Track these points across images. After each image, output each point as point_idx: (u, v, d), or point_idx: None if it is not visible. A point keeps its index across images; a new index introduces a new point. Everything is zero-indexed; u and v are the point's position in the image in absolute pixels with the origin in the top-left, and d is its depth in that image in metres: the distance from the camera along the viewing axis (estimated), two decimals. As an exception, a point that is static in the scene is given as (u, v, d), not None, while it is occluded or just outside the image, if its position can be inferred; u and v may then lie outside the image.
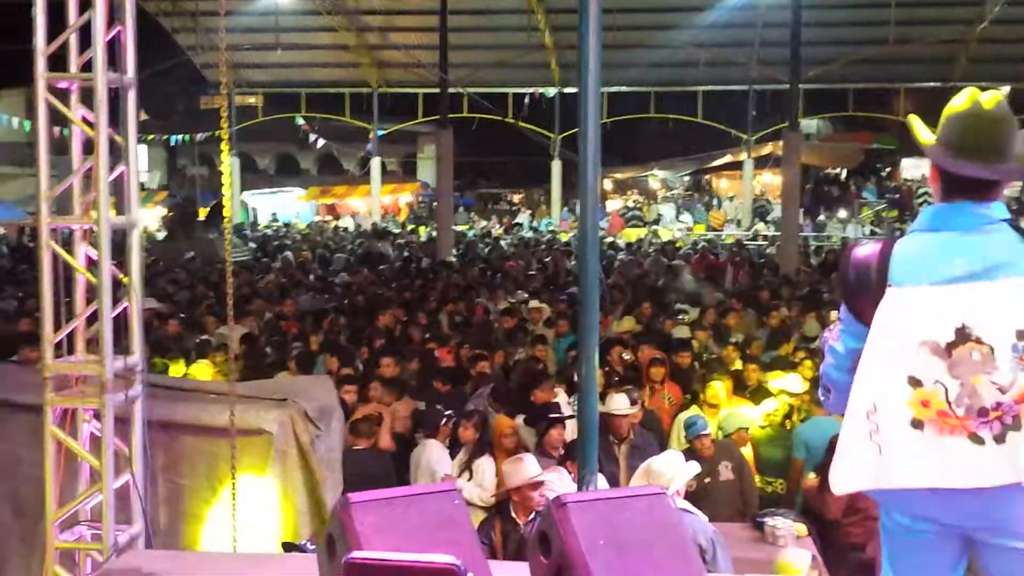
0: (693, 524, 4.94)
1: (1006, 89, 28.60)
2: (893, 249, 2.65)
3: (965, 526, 2.64)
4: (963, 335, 2.49)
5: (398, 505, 3.21)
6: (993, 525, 2.60)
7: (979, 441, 2.49)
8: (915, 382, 2.52)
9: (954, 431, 2.50)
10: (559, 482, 5.31)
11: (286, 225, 32.21)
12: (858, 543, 6.13)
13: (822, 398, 3.01)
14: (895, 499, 2.67)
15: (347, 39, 27.15)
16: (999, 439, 2.49)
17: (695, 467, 5.43)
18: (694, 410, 7.68)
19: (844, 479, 2.65)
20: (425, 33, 23.86)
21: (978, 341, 2.48)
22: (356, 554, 2.72)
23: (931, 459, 2.52)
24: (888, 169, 34.52)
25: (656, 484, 5.06)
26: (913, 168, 32.99)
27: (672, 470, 5.22)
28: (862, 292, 2.66)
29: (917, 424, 2.53)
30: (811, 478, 6.29)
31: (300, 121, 31.06)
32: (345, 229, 30.10)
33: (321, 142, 33.23)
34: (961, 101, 2.69)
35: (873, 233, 27.75)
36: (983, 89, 2.75)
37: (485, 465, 6.63)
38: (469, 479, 6.58)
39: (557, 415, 7.12)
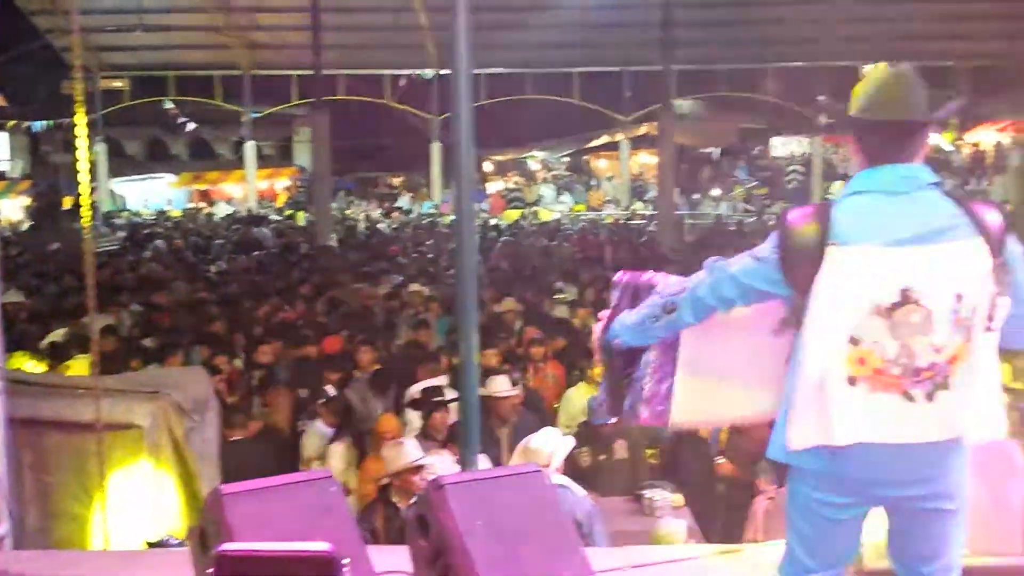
0: (570, 500, 5.01)
1: (870, 66, 29.70)
2: (832, 210, 2.68)
3: (892, 493, 2.71)
4: (906, 297, 2.56)
5: (272, 495, 3.16)
6: (924, 489, 2.68)
7: (910, 399, 2.59)
8: (854, 340, 2.59)
9: (887, 388, 2.59)
10: (441, 465, 5.30)
11: (160, 212, 31.22)
12: (742, 505, 6.21)
13: (658, 315, 2.92)
14: (827, 465, 2.69)
15: (215, 20, 26.39)
16: (929, 397, 2.59)
17: (571, 442, 5.50)
18: (584, 388, 7.72)
19: (797, 436, 2.69)
20: (297, 14, 23.37)
21: (918, 303, 2.56)
22: (227, 546, 2.66)
23: (865, 415, 2.60)
24: (759, 148, 35.53)
25: (535, 461, 5.13)
26: (782, 147, 34.05)
27: (550, 446, 5.28)
28: (797, 248, 2.65)
29: (852, 381, 2.60)
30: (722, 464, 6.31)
31: (169, 105, 30.04)
32: (228, 215, 29.35)
33: (192, 126, 32.27)
34: (870, 76, 2.78)
35: (745, 211, 28.58)
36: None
37: (334, 451, 6.61)
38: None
39: (441, 398, 7.10)
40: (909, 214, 2.63)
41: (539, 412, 7.71)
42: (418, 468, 5.30)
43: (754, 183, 31.74)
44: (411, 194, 34.29)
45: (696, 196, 30.76)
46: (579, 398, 7.47)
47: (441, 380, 7.59)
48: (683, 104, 30.83)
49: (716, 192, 31.43)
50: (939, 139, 32.64)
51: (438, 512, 3.18)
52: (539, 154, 36.53)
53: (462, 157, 5.03)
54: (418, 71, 27.54)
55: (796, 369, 2.68)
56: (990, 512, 3.79)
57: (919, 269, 2.56)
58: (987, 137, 31.11)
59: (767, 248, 2.75)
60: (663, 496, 5.93)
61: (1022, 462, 3.15)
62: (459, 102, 4.92)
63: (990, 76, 26.34)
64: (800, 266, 2.64)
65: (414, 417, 6.95)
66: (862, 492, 2.72)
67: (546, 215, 27.98)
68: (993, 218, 2.62)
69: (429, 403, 7.01)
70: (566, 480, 5.25)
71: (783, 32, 24.75)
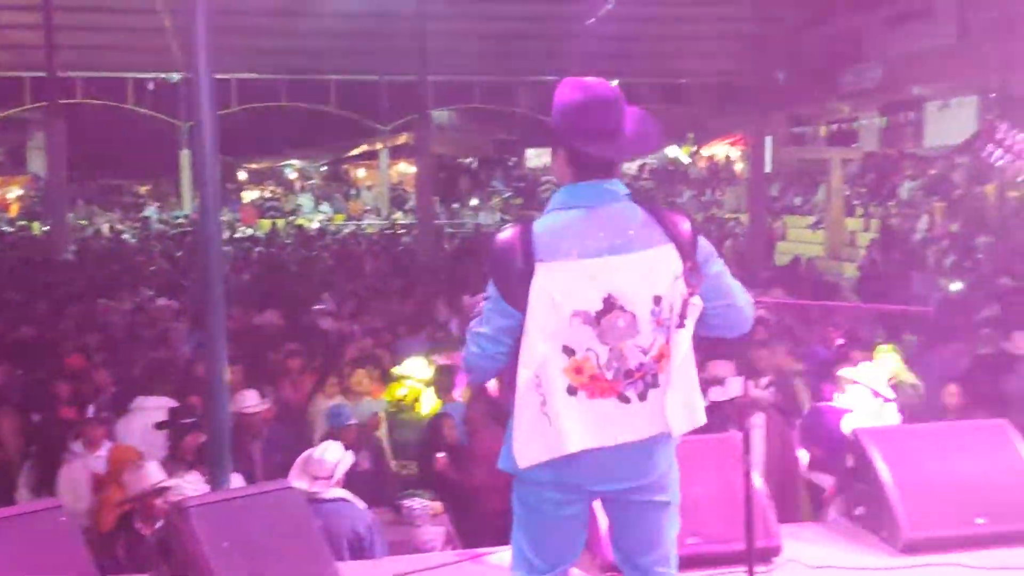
0: (348, 513, 4.99)
1: (615, 82, 31.22)
2: (534, 228, 2.77)
3: (609, 488, 2.82)
4: (610, 304, 2.69)
5: (-9, 530, 2.92)
6: (640, 482, 2.82)
7: (626, 400, 2.73)
8: (569, 351, 2.69)
9: (605, 393, 2.71)
10: (189, 487, 5.09)
11: None
12: (499, 510, 6.36)
13: (473, 383, 3.06)
14: (556, 471, 2.78)
15: (-67, 16, 24.10)
16: (642, 397, 2.74)
17: (351, 456, 5.44)
18: (338, 399, 7.65)
19: (525, 453, 2.75)
20: (27, 12, 21.76)
21: (622, 309, 2.69)
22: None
23: (587, 422, 2.70)
24: (514, 159, 36.49)
25: (317, 474, 5.06)
26: (536, 158, 35.13)
27: (331, 459, 5.21)
28: (509, 273, 2.74)
29: (572, 391, 2.70)
30: (440, 457, 6.50)
31: None
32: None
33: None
34: (570, 89, 2.86)
35: (503, 220, 29.28)
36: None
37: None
38: None
39: (191, 419, 6.80)
40: (606, 226, 2.76)
41: (296, 424, 7.56)
42: (161, 491, 5.05)
43: (510, 193, 32.58)
44: (159, 203, 32.73)
45: (455, 205, 31.20)
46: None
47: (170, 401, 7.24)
48: (441, 115, 31.19)
49: (474, 202, 32.02)
50: (677, 152, 34.85)
51: (181, 536, 3.06)
52: (297, 162, 35.86)
53: (206, 164, 4.87)
54: (164, 74, 26.32)
55: (517, 385, 2.75)
56: (717, 500, 4.07)
57: (619, 276, 2.71)
58: (720, 150, 33.46)
59: (489, 284, 2.84)
60: (422, 504, 5.96)
61: (742, 451, 3.39)
62: (202, 107, 4.75)
63: (722, 93, 28.32)
64: (514, 287, 2.73)
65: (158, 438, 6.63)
66: (583, 490, 2.84)
67: (305, 224, 27.52)
68: (684, 225, 2.81)
69: (178, 424, 6.71)
70: (347, 493, 5.20)
71: (534, 46, 25.53)
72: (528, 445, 2.75)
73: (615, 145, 2.83)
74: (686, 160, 34.65)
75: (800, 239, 24.55)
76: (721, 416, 5.36)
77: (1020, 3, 20.50)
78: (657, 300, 2.72)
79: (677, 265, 2.75)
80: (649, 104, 33.22)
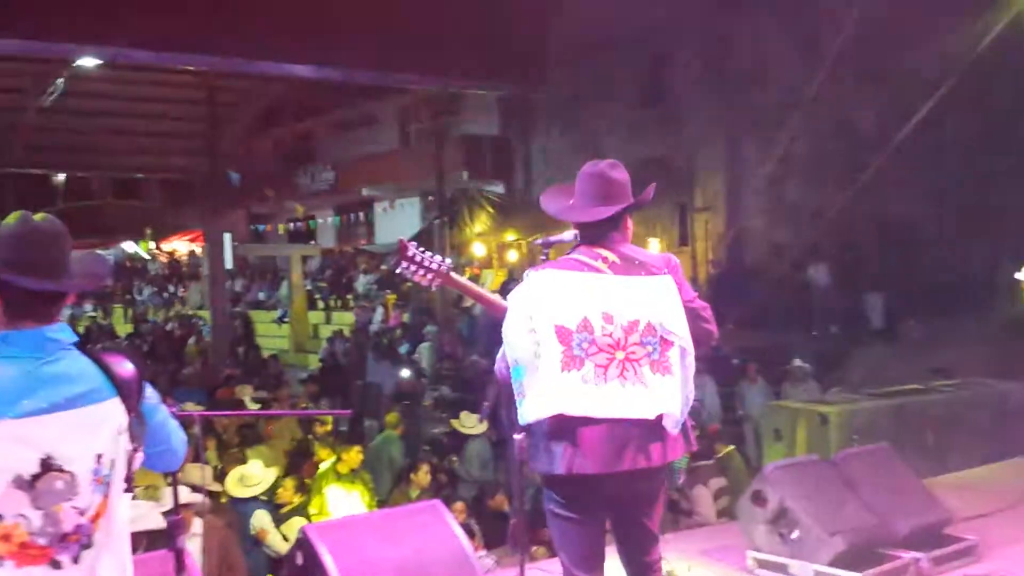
0: None
1: (62, 177, 29.32)
2: None
3: None
4: (48, 466, 2.47)
5: None
6: None
7: (58, 566, 2.50)
8: None
9: (35, 561, 2.47)
10: None
11: None
12: None
13: None
14: None
15: None
16: (75, 560, 2.53)
17: None
18: None
19: None
20: None
21: (61, 470, 2.48)
22: None
23: None
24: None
25: None
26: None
27: None
28: None
29: None
30: None
31: None
32: None
33: None
34: (11, 220, 2.65)
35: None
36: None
37: None
38: None
39: None
40: (47, 382, 2.57)
41: None
42: None
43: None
44: None
45: None
46: None
47: None
48: None
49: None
50: (135, 247, 33.66)
51: None
52: None
53: None
54: None
55: None
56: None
57: (59, 436, 2.54)
58: (181, 246, 32.93)
59: None
60: None
61: (176, 568, 3.30)
62: None
63: (179, 188, 27.98)
64: None
65: None
66: None
67: None
68: (127, 370, 2.71)
69: None
70: None
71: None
72: None
73: (53, 282, 2.64)
74: (145, 255, 33.55)
75: (267, 333, 24.88)
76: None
77: (449, 115, 23.10)
78: (98, 458, 2.58)
79: (121, 420, 2.65)
80: (103, 198, 31.78)
